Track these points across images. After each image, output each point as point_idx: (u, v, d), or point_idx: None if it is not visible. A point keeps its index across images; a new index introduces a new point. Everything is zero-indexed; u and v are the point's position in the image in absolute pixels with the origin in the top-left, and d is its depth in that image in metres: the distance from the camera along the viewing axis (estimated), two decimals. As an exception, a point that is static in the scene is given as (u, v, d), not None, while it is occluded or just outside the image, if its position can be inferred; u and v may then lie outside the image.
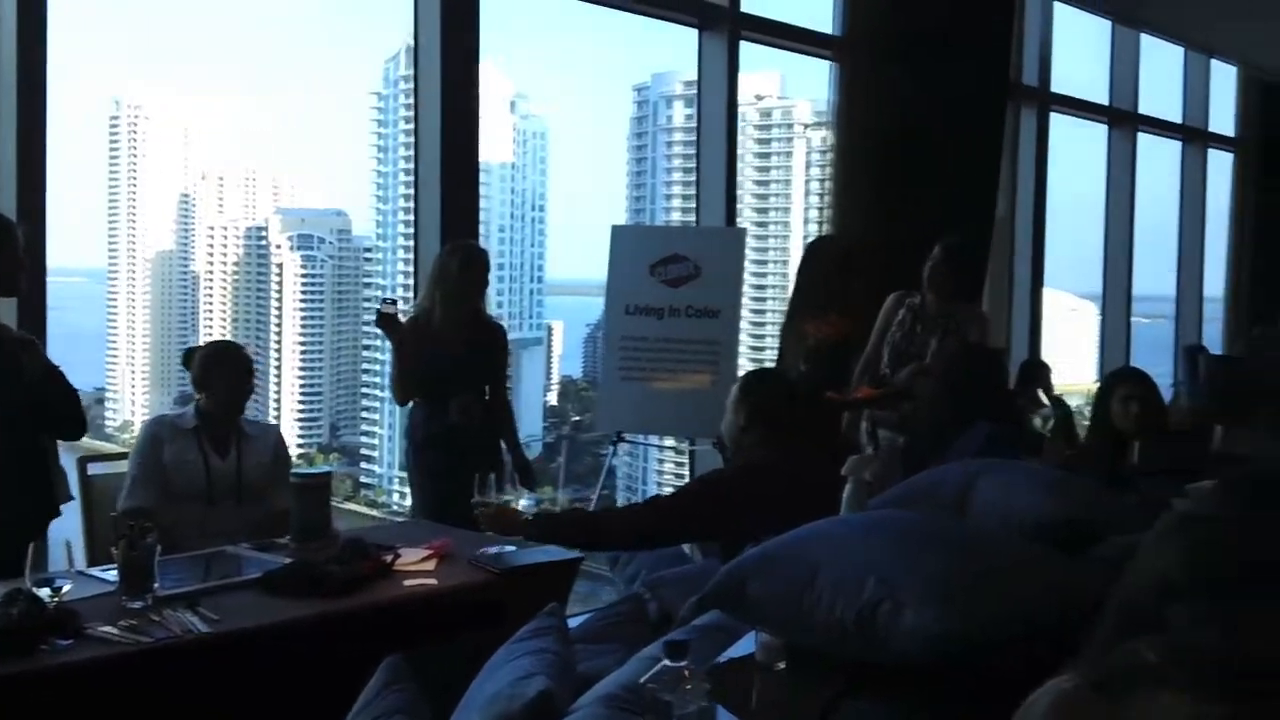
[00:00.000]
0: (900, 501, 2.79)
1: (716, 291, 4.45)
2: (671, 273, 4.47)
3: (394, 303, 3.97)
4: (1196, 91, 8.74)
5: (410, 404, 4.07)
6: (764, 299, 7.10)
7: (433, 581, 2.91)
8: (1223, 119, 9.17)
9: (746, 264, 6.87)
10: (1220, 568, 1.78)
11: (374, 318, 3.90)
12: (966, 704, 2.10)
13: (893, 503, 2.78)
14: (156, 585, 2.60)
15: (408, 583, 2.88)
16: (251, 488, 3.45)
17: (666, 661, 1.78)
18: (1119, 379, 4.20)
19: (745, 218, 6.91)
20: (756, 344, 6.72)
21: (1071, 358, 8.05)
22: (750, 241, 6.94)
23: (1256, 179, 9.02)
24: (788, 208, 7.34)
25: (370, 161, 6.70)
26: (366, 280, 7.14)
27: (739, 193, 6.12)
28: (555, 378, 8.31)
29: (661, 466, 6.82)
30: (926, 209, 5.56)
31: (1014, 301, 6.87)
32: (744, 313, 6.73)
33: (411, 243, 4.61)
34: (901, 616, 2.05)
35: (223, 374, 3.46)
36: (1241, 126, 9.21)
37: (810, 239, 5.69)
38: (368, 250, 7.08)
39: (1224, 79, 9.14)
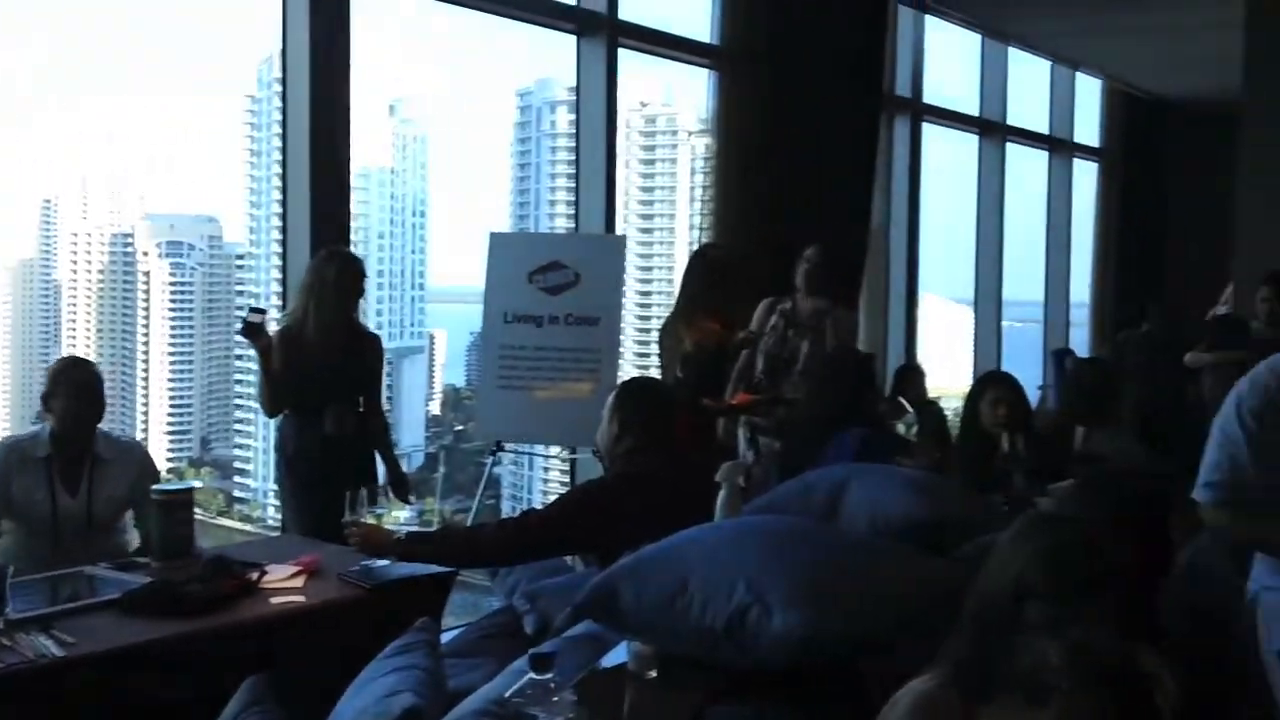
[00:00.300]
0: (773, 507, 2.81)
1: (596, 299, 4.44)
2: (550, 280, 4.45)
3: (261, 311, 3.87)
4: (1063, 104, 9.05)
5: (281, 416, 3.98)
6: (649, 306, 7.12)
7: (301, 599, 2.84)
8: (1088, 130, 9.51)
9: (631, 271, 6.89)
10: (1072, 567, 1.83)
11: (239, 327, 3.80)
12: (836, 705, 2.13)
13: (766, 508, 2.80)
14: (8, 609, 2.49)
15: (274, 600, 2.80)
16: (101, 524, 3.30)
17: (532, 675, 1.76)
18: (987, 382, 4.31)
19: (630, 224, 6.93)
20: (643, 351, 6.73)
21: (949, 362, 8.25)
22: (635, 248, 6.97)
23: (1120, 188, 9.38)
24: (673, 214, 7.38)
25: (243, 166, 6.53)
26: (239, 288, 6.95)
27: (625, 199, 6.13)
28: (438, 387, 8.21)
29: (548, 475, 6.78)
30: (802, 217, 5.64)
31: (890, 308, 7.02)
32: (631, 319, 6.75)
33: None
34: (770, 620, 2.07)
35: (65, 393, 3.26)
36: (1106, 138, 9.56)
37: (695, 246, 5.72)
38: (240, 257, 6.90)
39: (1089, 92, 9.48)
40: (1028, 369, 8.43)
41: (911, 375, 6.39)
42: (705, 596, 2.14)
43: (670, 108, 7.30)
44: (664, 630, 2.16)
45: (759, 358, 4.57)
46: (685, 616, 2.14)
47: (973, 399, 4.30)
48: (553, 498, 5.37)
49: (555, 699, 1.75)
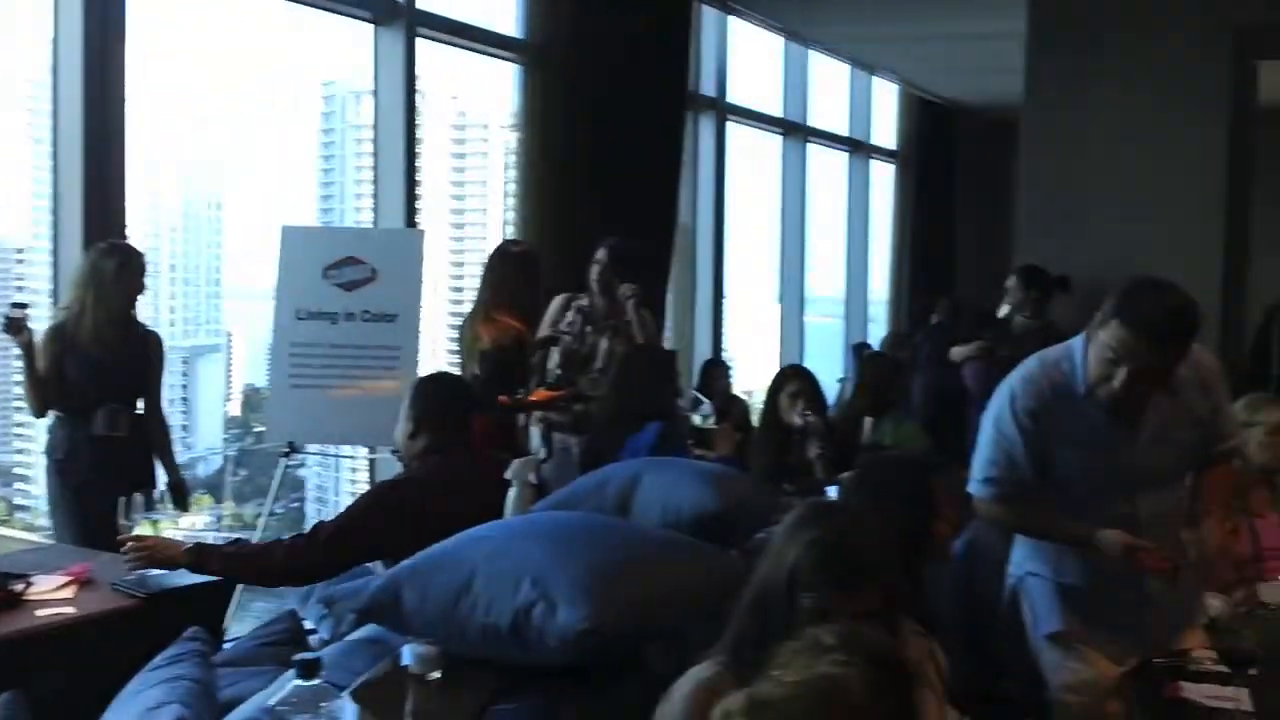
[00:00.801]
0: (567, 503, 2.81)
1: (395, 295, 4.34)
2: (346, 276, 4.33)
3: (23, 306, 3.65)
4: (861, 106, 9.37)
5: (51, 417, 3.76)
6: (460, 302, 7.03)
7: (70, 610, 2.69)
8: (887, 132, 9.88)
9: (442, 267, 6.78)
10: (842, 556, 1.88)
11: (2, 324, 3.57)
12: (624, 697, 2.14)
13: (559, 504, 2.79)
14: None
15: (40, 613, 2.65)
16: None
17: (298, 681, 1.70)
18: (786, 376, 4.43)
19: (441, 219, 6.82)
20: (453, 348, 6.63)
21: (759, 357, 8.43)
22: (447, 244, 6.86)
23: (915, 188, 9.79)
24: (484, 209, 7.30)
25: (25, 156, 6.13)
26: (19, 284, 6.54)
27: (434, 194, 6.01)
28: (237, 386, 7.91)
29: (355, 477, 6.62)
30: (608, 214, 5.67)
31: (697, 304, 7.13)
32: (443, 316, 6.64)
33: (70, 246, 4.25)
34: (554, 617, 2.07)
35: None
36: (902, 140, 9.96)
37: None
38: (20, 251, 6.48)
39: (888, 95, 9.84)
40: (832, 363, 8.72)
41: (717, 370, 6.51)
42: (490, 595, 2.12)
43: (483, 102, 7.23)
44: (448, 630, 2.13)
45: (555, 353, 4.57)
46: (470, 616, 2.12)
47: (772, 392, 4.41)
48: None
49: (323, 705, 1.69)
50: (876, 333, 8.96)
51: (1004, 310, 6.19)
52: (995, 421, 2.87)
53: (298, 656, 1.70)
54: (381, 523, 2.83)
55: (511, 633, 2.09)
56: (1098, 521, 2.80)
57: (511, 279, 4.34)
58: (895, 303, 9.55)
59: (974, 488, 2.93)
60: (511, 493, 2.68)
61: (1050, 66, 6.37)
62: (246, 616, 4.11)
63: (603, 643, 2.05)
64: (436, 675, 2.05)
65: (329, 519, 2.96)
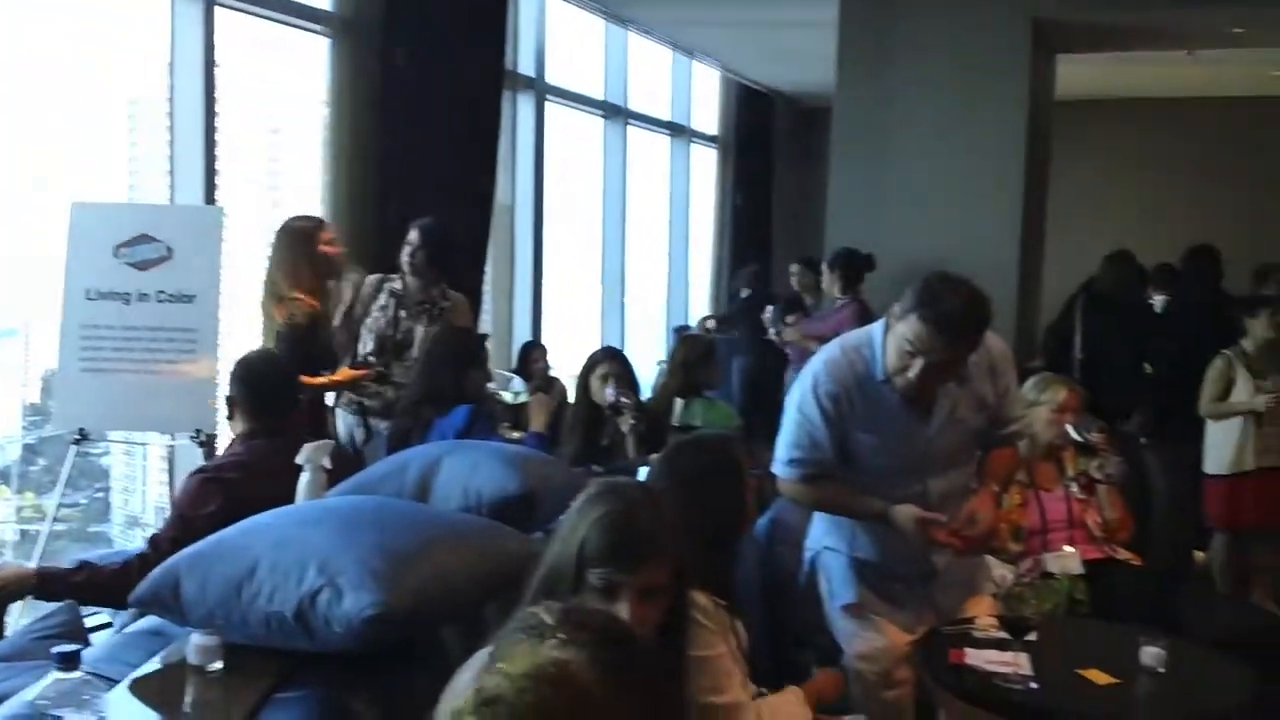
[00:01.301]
0: (364, 487, 2.75)
1: (192, 275, 4.15)
2: (139, 255, 4.12)
3: None
4: (682, 91, 9.45)
5: None
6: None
7: None
8: (709, 117, 9.99)
9: (259, 245, 6.54)
10: (629, 534, 1.89)
11: None
12: (414, 684, 2.10)
13: (355, 489, 2.73)
14: None
15: None
16: None
17: (58, 674, 1.62)
18: (597, 358, 4.44)
19: (257, 198, 6.57)
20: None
21: (579, 340, 8.43)
22: (264, 222, 6.61)
23: (734, 173, 9.94)
24: (300, 186, 7.07)
25: None
26: None
27: (247, 171, 5.78)
28: (37, 371, 7.48)
29: (164, 465, 6.34)
30: (422, 193, 5.57)
31: (516, 286, 7.08)
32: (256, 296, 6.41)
33: None
34: (340, 603, 2.02)
35: None
36: (722, 125, 10.09)
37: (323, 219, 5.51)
38: None
39: (709, 80, 9.95)
40: (656, 345, 8.81)
41: (536, 352, 6.50)
42: (274, 583, 2.06)
43: (299, 76, 6.99)
44: (230, 620, 2.06)
45: (368, 336, 4.47)
46: (252, 605, 2.06)
47: (584, 374, 4.42)
48: (166, 490, 5.03)
49: (86, 697, 1.62)
50: (700, 315, 9.05)
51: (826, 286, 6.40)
52: (799, 405, 2.96)
53: (56, 649, 1.62)
54: (218, 506, 2.73)
55: (297, 621, 2.03)
56: (892, 500, 2.92)
57: (297, 256, 4.21)
58: (716, 285, 9.69)
59: (778, 469, 3.01)
60: (304, 477, 2.61)
61: (859, 55, 6.55)
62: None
63: (391, 629, 2.02)
64: (218, 666, 1.98)
65: (160, 529, 2.84)
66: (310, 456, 2.61)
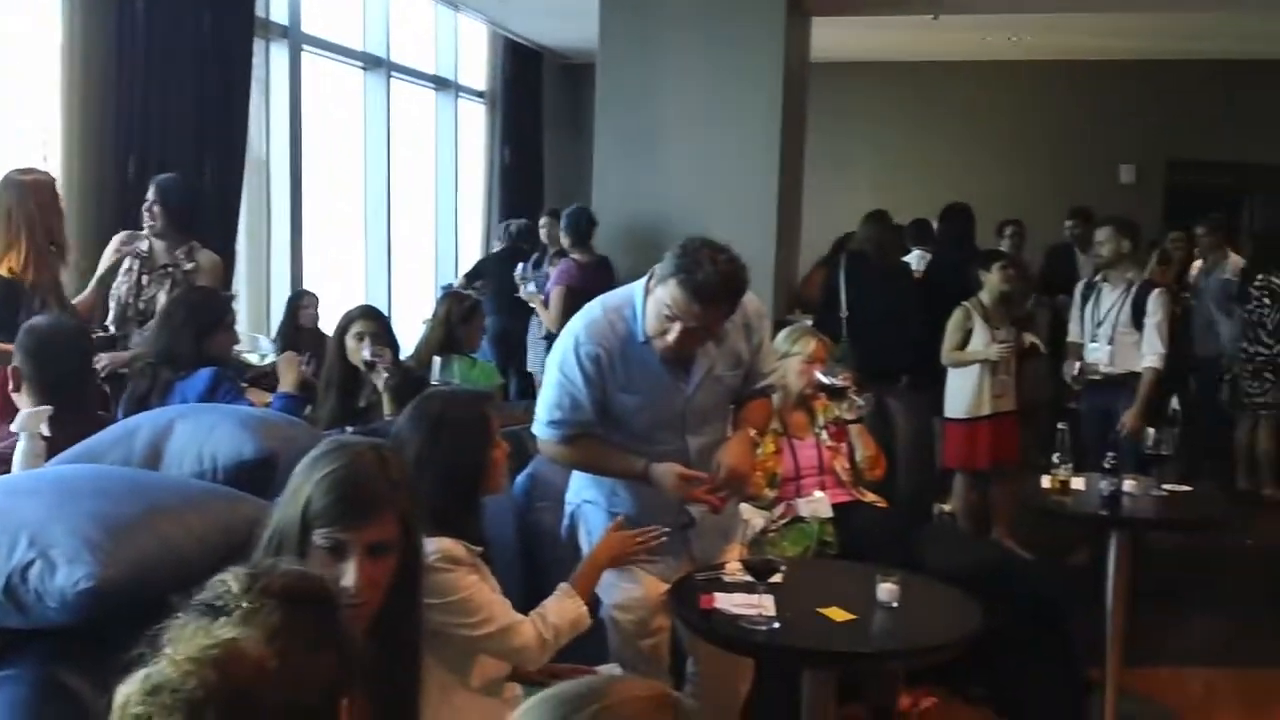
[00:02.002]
0: (88, 455, 2.58)
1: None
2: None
3: None
4: (448, 44, 9.25)
5: None
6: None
7: None
8: (476, 72, 9.81)
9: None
10: (351, 491, 1.84)
11: None
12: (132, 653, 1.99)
13: (79, 457, 2.56)
14: None
15: None
16: None
17: None
18: (353, 316, 4.32)
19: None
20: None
21: (343, 298, 8.18)
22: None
23: (503, 128, 9.81)
24: (36, 143, 6.55)
25: None
26: None
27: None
28: None
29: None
30: (167, 146, 5.28)
31: (273, 242, 6.81)
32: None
33: None
34: (53, 576, 1.90)
35: None
36: (490, 80, 9.93)
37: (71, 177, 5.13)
38: None
39: (476, 34, 9.77)
40: (426, 303, 8.62)
41: (304, 300, 6.29)
42: (-21, 557, 1.91)
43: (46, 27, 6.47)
44: (-71, 601, 1.89)
45: (110, 303, 4.21)
46: (-46, 582, 1.90)
47: (339, 333, 4.29)
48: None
49: None
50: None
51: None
52: (560, 365, 2.96)
53: None
54: None
55: (7, 596, 1.90)
56: (653, 456, 2.96)
57: (34, 215, 3.90)
58: (486, 242, 9.58)
59: (539, 429, 3.01)
60: (20, 445, 2.43)
61: (620, 13, 6.57)
62: None
63: (109, 601, 1.90)
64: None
65: None
66: (25, 424, 2.43)
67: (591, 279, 6.22)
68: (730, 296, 2.85)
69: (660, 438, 3.03)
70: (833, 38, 8.45)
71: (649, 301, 2.90)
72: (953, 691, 4.31)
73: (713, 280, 2.77)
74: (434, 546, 2.42)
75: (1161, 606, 5.43)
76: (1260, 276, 7.27)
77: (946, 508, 6.06)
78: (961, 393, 5.82)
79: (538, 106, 10.31)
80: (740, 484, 3.03)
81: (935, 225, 7.58)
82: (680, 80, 6.48)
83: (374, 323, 4.23)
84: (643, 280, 2.95)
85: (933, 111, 11.10)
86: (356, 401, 4.16)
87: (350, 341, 4.18)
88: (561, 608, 2.77)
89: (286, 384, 3.94)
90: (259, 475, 2.56)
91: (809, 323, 6.16)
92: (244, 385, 4.16)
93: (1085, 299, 5.80)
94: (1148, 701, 4.32)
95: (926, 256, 7.51)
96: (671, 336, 2.85)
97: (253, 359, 4.55)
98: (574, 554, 3.45)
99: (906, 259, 7.26)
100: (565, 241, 6.59)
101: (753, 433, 3.11)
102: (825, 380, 4.25)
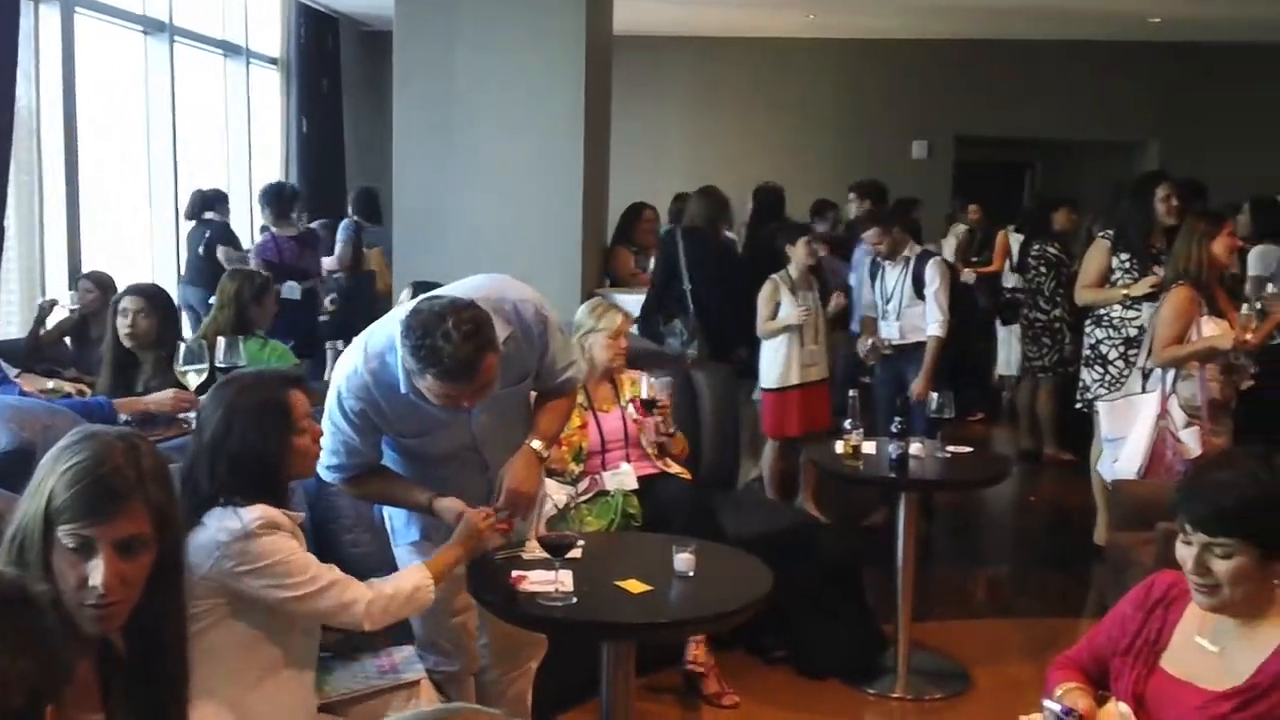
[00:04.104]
0: None
1: None
2: None
3: None
4: (236, 8, 8.84)
5: None
6: None
7: None
8: (268, 38, 9.41)
9: None
10: (94, 484, 1.72)
11: None
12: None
13: None
14: None
15: None
16: None
17: None
18: (123, 295, 4.13)
19: None
20: None
21: (131, 269, 7.76)
22: None
23: (299, 94, 9.44)
24: None
25: None
26: None
27: None
28: None
29: None
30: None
31: (47, 211, 6.38)
32: None
33: None
34: None
35: None
36: (285, 46, 9.55)
37: None
38: None
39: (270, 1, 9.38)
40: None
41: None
42: None
43: None
44: None
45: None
46: None
47: (113, 312, 4.06)
48: None
49: None
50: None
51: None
52: (330, 415, 2.86)
53: None
54: None
55: None
56: (451, 477, 2.92)
57: None
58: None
59: (321, 472, 2.92)
60: None
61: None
62: None
63: None
64: None
65: None
66: None
67: (292, 254, 6.21)
68: (484, 356, 2.62)
69: (456, 458, 2.97)
70: (636, 11, 8.47)
71: (405, 375, 2.69)
72: (753, 652, 4.41)
73: (460, 358, 2.56)
74: (255, 514, 2.42)
75: (951, 562, 5.71)
76: (1037, 246, 7.66)
77: (755, 477, 6.21)
78: (773, 363, 5.95)
79: (336, 74, 9.98)
80: (523, 504, 2.95)
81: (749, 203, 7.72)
82: (480, 50, 6.36)
83: (146, 300, 4.03)
84: (398, 331, 2.68)
85: (733, 88, 11.28)
86: (134, 383, 3.94)
87: (120, 321, 3.96)
88: (403, 573, 2.74)
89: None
90: (17, 467, 2.40)
91: (616, 297, 6.24)
92: (17, 372, 3.91)
93: (872, 276, 6.00)
94: (938, 654, 4.51)
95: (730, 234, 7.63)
96: (442, 403, 2.73)
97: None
98: (373, 540, 3.37)
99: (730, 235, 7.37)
100: (265, 216, 6.51)
101: (538, 445, 2.98)
102: (645, 397, 4.25)
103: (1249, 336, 4.42)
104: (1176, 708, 2.11)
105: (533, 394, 3.10)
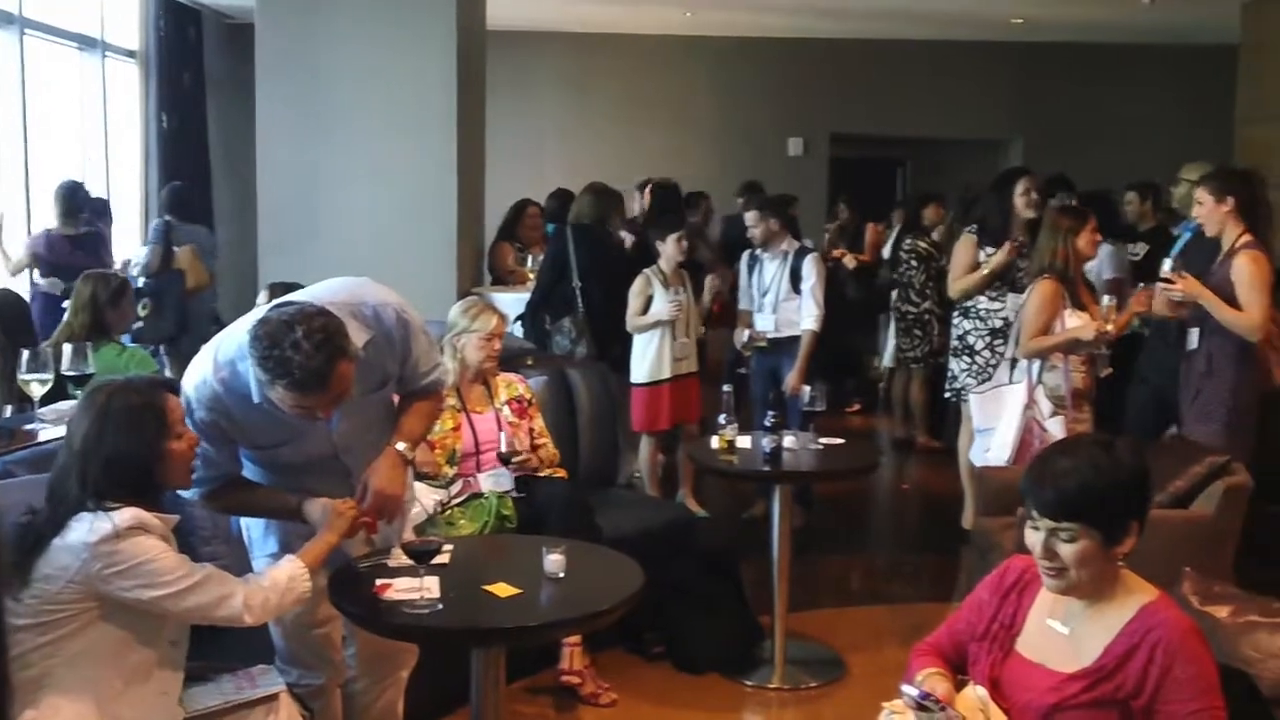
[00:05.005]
0: None
1: None
2: None
3: None
4: (93, 2, 8.48)
5: None
6: None
7: None
8: (125, 30, 9.04)
9: None
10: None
11: None
12: None
13: None
14: None
15: None
16: None
17: None
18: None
19: None
20: None
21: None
22: None
23: (160, 88, 9.08)
24: None
25: None
26: None
27: None
28: None
29: None
30: None
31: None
32: None
33: None
34: None
35: None
36: (145, 39, 9.18)
37: None
38: None
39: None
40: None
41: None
42: None
43: None
44: None
45: None
46: None
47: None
48: None
49: None
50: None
51: None
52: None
53: None
54: None
55: None
56: (312, 485, 2.84)
57: None
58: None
59: (190, 494, 2.82)
60: None
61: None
62: None
63: None
64: None
65: None
66: None
67: (63, 252, 6.18)
68: (336, 365, 2.53)
69: (318, 465, 2.89)
70: (511, 5, 8.38)
71: (256, 384, 2.60)
72: (632, 649, 4.41)
73: (311, 368, 2.48)
74: (126, 515, 2.42)
75: (828, 552, 5.79)
76: (909, 240, 7.82)
77: (637, 472, 6.21)
78: (644, 358, 5.95)
79: (199, 68, 9.65)
80: (389, 506, 2.86)
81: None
82: (347, 43, 6.23)
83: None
84: (247, 340, 2.58)
85: (611, 84, 11.26)
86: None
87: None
88: (276, 566, 2.71)
89: None
90: None
91: (495, 296, 6.17)
92: None
93: (750, 270, 6.05)
94: (815, 643, 4.56)
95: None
96: (296, 414, 2.65)
97: None
98: (231, 551, 3.26)
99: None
100: (55, 212, 6.45)
101: (403, 446, 2.91)
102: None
103: (1109, 327, 4.60)
104: (1029, 690, 2.16)
105: (396, 397, 3.04)
